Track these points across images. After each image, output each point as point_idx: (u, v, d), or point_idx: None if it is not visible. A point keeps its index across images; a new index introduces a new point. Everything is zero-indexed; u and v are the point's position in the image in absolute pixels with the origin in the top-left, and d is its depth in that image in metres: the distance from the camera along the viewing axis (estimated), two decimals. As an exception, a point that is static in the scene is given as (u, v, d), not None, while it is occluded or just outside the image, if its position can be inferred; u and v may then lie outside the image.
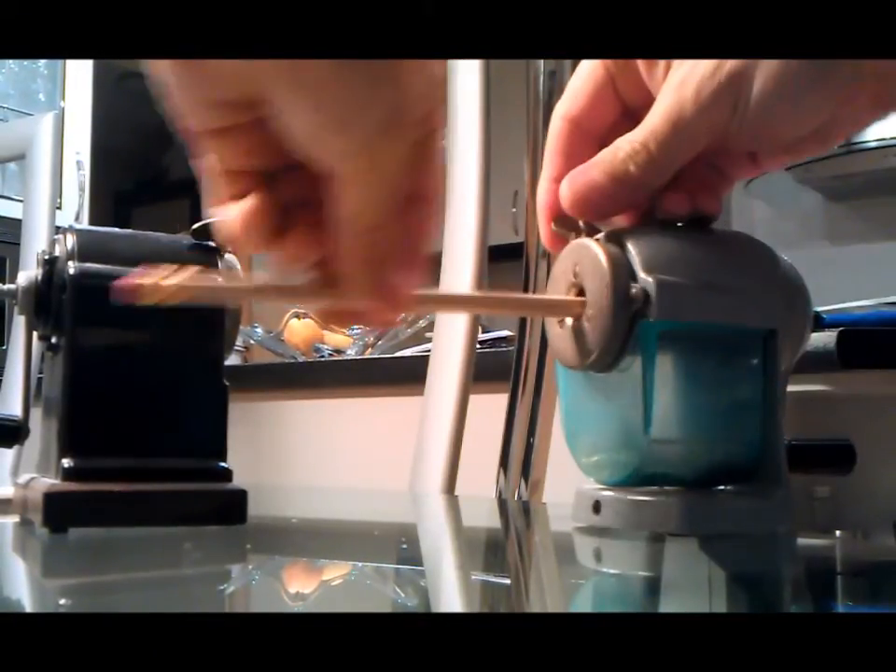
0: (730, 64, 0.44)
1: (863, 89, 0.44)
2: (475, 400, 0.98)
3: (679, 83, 0.45)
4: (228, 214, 0.35)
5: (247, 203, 0.35)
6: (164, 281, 0.35)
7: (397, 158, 0.32)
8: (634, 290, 0.45)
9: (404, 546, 0.58)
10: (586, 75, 0.49)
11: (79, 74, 3.31)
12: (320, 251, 0.35)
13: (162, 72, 0.31)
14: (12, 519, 0.53)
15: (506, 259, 1.54)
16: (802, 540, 0.56)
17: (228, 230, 0.35)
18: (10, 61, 3.17)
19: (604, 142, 0.47)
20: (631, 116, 0.48)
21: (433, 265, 1.08)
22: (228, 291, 0.41)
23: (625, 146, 0.45)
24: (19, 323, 1.29)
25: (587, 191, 0.46)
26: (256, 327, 1.90)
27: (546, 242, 0.50)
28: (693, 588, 0.41)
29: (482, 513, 0.82)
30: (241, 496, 0.50)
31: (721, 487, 0.49)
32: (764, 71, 0.44)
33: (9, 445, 0.55)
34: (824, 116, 0.45)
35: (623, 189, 0.46)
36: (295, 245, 0.35)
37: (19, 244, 1.53)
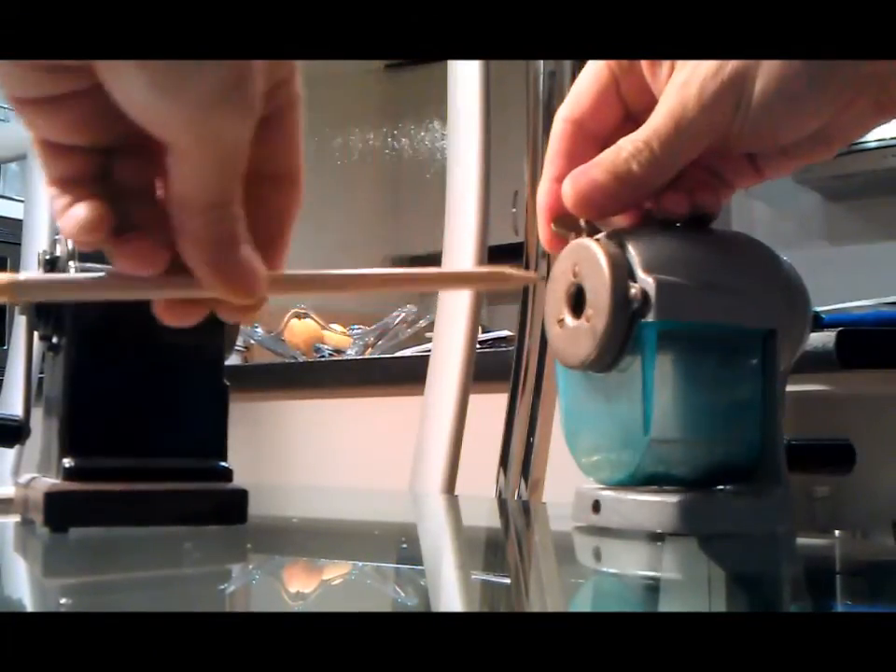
0: (732, 65, 0.44)
1: (864, 92, 0.44)
2: (475, 400, 0.98)
3: (682, 84, 0.45)
4: (63, 214, 0.32)
5: (83, 205, 0.32)
6: None
7: (237, 130, 0.30)
8: (633, 290, 0.45)
9: (404, 546, 0.58)
10: (590, 77, 0.49)
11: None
12: (170, 247, 0.32)
13: None
14: (13, 519, 0.53)
15: (506, 260, 1.54)
16: (801, 540, 0.56)
17: (65, 229, 0.32)
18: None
19: (606, 144, 0.47)
20: (634, 119, 0.48)
21: (434, 266, 1.08)
22: (66, 287, 0.35)
23: (628, 145, 0.46)
24: (20, 323, 1.29)
25: (589, 190, 0.46)
26: (256, 327, 1.90)
27: (546, 243, 0.50)
28: (693, 588, 0.41)
29: (482, 513, 0.82)
30: (241, 495, 0.50)
31: (721, 487, 0.49)
32: (766, 72, 0.44)
33: (10, 445, 0.55)
34: (825, 118, 0.45)
35: (625, 187, 0.46)
36: (140, 240, 0.32)
37: (19, 244, 1.53)
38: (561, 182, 0.47)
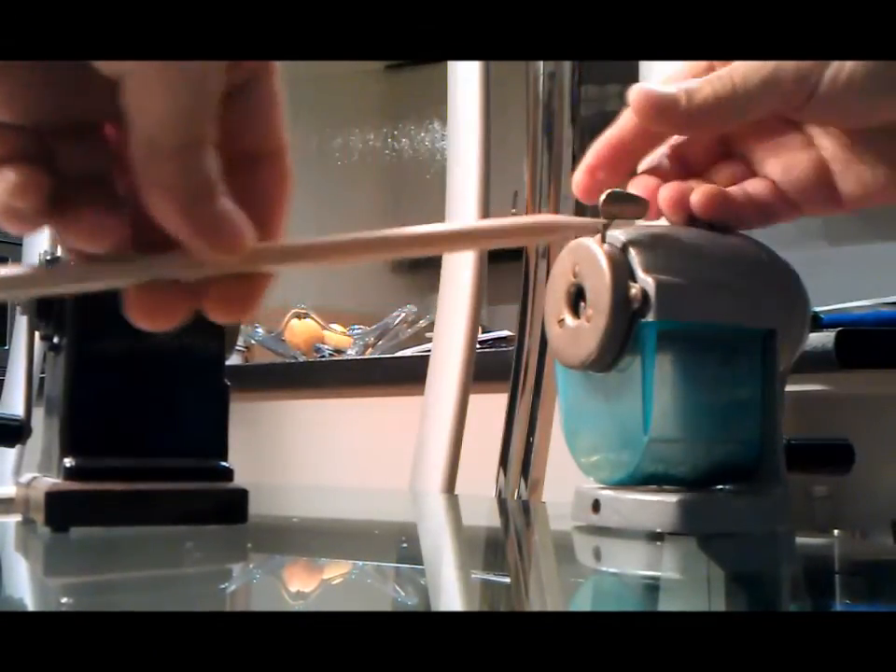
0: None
1: None
2: (475, 400, 0.99)
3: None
4: None
5: (11, 169, 0.28)
6: None
7: (203, 64, 0.27)
8: (633, 290, 0.45)
9: (404, 545, 0.58)
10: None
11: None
12: (121, 227, 0.29)
13: None
14: (14, 518, 0.53)
15: (506, 260, 1.54)
16: (800, 540, 0.57)
17: None
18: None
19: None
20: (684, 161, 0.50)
21: (434, 266, 1.08)
22: (23, 280, 0.30)
23: (710, 76, 0.46)
24: (21, 323, 1.29)
25: (659, 98, 0.46)
26: (257, 327, 1.90)
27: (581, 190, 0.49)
28: (692, 587, 0.41)
29: (481, 513, 0.82)
30: (242, 495, 0.50)
31: (720, 487, 0.49)
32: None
33: (11, 445, 0.55)
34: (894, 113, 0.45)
35: (692, 106, 0.46)
36: (91, 214, 0.28)
37: (20, 244, 1.53)
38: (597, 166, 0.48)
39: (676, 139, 0.50)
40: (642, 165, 0.50)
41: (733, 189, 0.48)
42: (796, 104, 0.46)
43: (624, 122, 0.49)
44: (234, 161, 0.29)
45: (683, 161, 0.50)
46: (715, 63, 0.48)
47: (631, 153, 0.49)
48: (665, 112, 0.46)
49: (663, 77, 0.49)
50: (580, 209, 0.52)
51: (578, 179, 0.49)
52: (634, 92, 0.47)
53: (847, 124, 0.47)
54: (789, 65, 0.45)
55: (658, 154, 0.50)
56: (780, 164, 0.48)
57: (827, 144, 0.48)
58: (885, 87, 0.45)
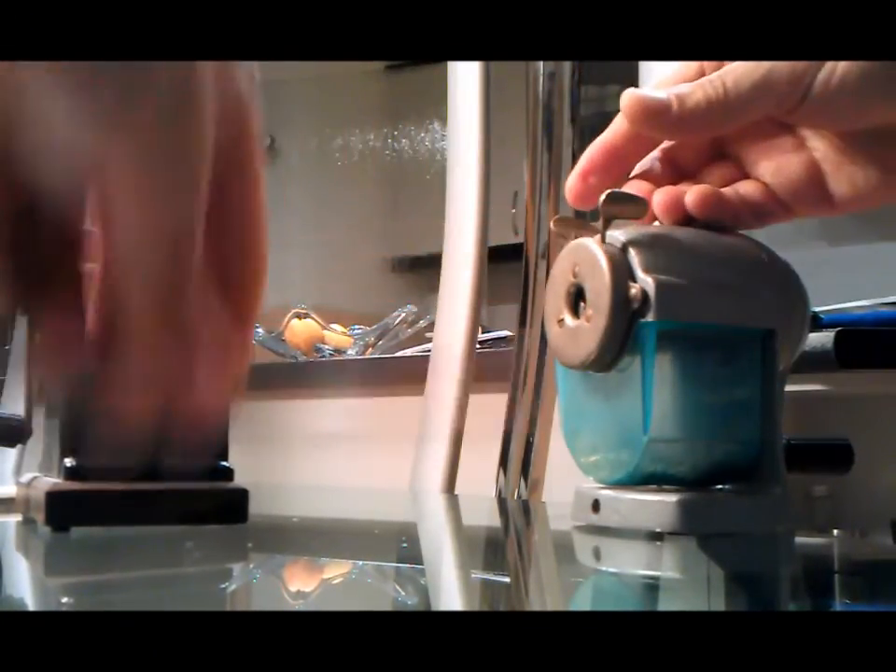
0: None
1: None
2: (475, 400, 0.99)
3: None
4: None
5: None
6: None
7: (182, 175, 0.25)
8: (633, 290, 0.45)
9: (404, 545, 0.58)
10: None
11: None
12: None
13: None
14: (15, 518, 0.53)
15: (506, 260, 1.54)
16: (800, 539, 0.57)
17: None
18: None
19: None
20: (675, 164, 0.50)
21: (434, 266, 1.08)
22: None
23: (702, 81, 0.46)
24: (21, 323, 1.29)
25: (649, 102, 0.46)
26: (257, 327, 1.90)
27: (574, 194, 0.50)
28: (692, 587, 0.41)
29: (481, 512, 0.82)
30: (242, 494, 0.50)
31: (720, 487, 0.49)
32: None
33: (12, 445, 0.55)
34: (887, 115, 0.45)
35: (683, 110, 0.46)
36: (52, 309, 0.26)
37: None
38: (589, 171, 0.48)
39: (667, 143, 0.50)
40: (635, 170, 0.50)
41: (725, 191, 0.48)
42: (788, 107, 0.46)
43: (616, 127, 0.49)
44: (210, 256, 0.28)
45: (674, 163, 0.50)
46: (706, 67, 0.48)
47: (623, 158, 0.49)
48: (656, 117, 0.46)
49: (654, 82, 0.49)
50: (579, 211, 0.52)
51: (571, 185, 0.49)
52: (625, 98, 0.47)
53: (840, 126, 0.47)
54: (781, 68, 0.45)
55: (649, 158, 0.50)
56: (772, 166, 0.48)
57: (819, 146, 0.48)
58: (877, 89, 0.45)
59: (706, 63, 0.49)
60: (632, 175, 0.50)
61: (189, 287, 0.26)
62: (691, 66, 0.49)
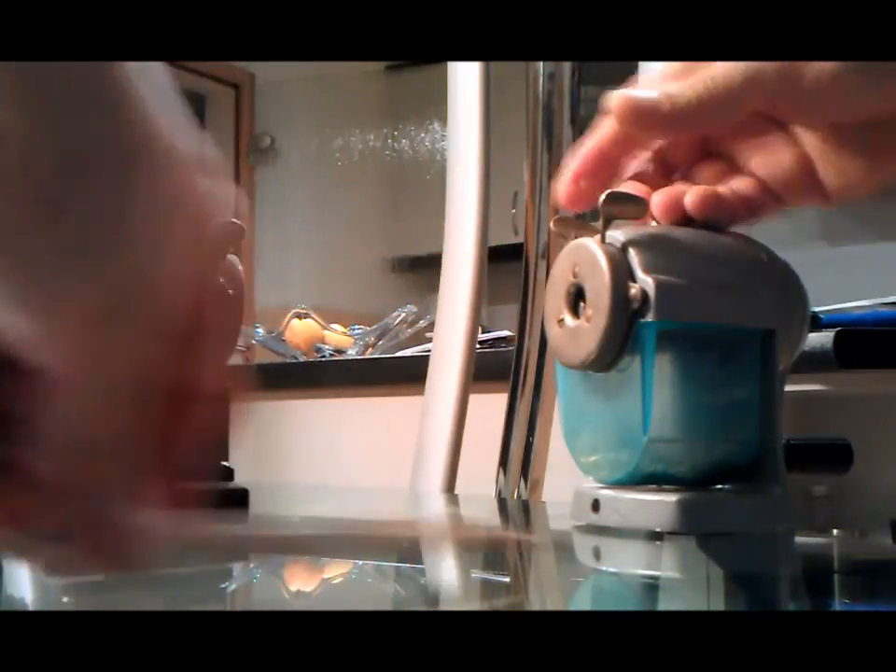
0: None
1: None
2: (475, 400, 0.99)
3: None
4: None
5: None
6: None
7: (136, 349, 0.24)
8: (633, 290, 0.45)
9: (405, 545, 0.58)
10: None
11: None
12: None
13: None
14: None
15: (506, 260, 1.54)
16: (800, 539, 0.57)
17: None
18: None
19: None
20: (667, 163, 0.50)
21: (434, 266, 1.08)
22: None
23: (691, 80, 0.46)
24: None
25: (639, 101, 0.46)
26: (257, 327, 1.91)
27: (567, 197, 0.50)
28: (692, 586, 0.41)
29: (481, 512, 0.82)
30: (243, 494, 0.50)
31: (720, 486, 0.49)
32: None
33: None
34: (875, 108, 0.45)
35: (674, 108, 0.46)
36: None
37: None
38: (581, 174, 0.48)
39: (657, 143, 0.50)
40: (627, 173, 0.50)
41: (722, 190, 0.48)
42: (779, 101, 0.46)
43: (605, 129, 0.49)
44: (172, 404, 0.26)
45: (665, 162, 0.50)
46: (695, 67, 0.48)
47: (613, 160, 0.49)
48: (646, 117, 0.46)
49: (642, 82, 0.49)
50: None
51: (562, 188, 0.49)
52: (614, 99, 0.47)
53: (829, 119, 0.47)
54: (769, 63, 0.45)
55: (641, 159, 0.50)
56: (764, 161, 0.48)
57: (809, 138, 0.48)
58: (868, 81, 0.45)
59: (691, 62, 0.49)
60: (625, 178, 0.50)
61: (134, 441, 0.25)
62: (676, 65, 0.49)
